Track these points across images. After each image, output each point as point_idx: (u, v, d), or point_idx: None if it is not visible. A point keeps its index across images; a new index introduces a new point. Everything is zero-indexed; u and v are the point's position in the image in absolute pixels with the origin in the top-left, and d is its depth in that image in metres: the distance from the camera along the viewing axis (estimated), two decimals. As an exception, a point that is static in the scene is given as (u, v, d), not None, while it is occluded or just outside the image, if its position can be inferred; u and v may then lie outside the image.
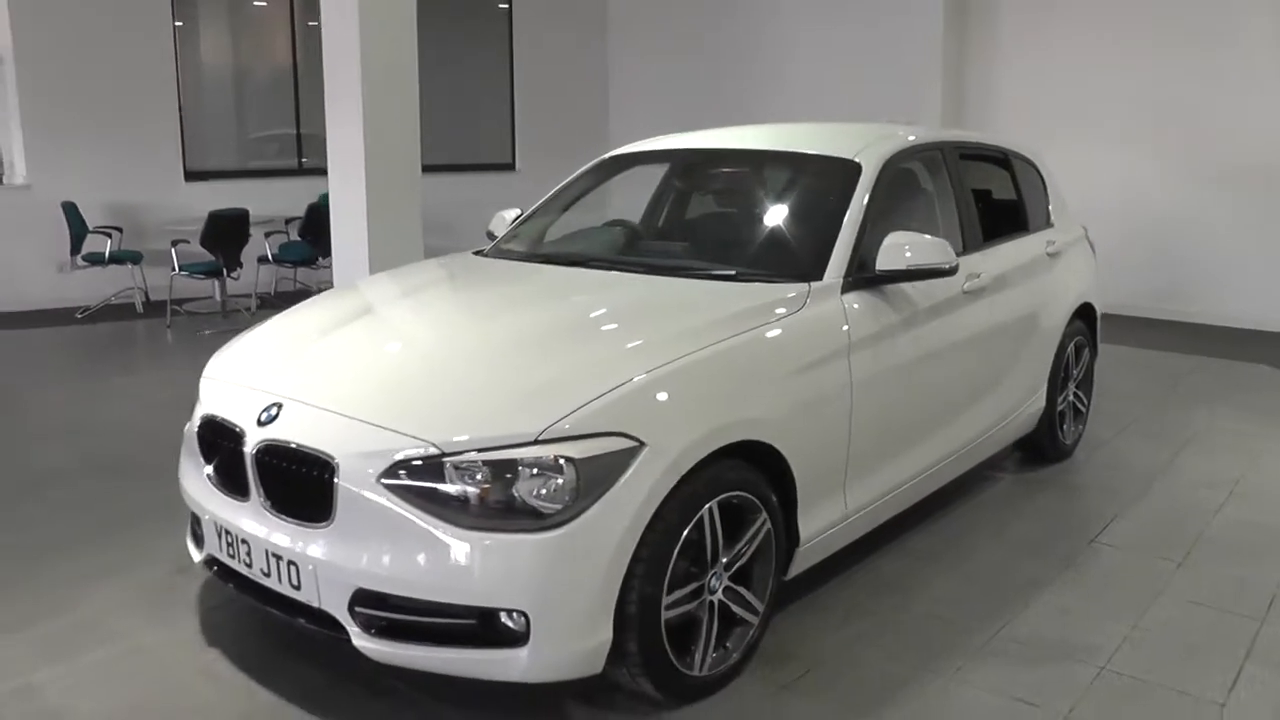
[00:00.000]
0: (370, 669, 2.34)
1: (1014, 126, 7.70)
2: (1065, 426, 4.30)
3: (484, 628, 2.17)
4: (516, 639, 2.16)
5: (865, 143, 3.35)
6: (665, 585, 2.27)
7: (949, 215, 3.61)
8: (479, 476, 2.16)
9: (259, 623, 2.84)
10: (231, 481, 2.53)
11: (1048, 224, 4.29)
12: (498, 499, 2.16)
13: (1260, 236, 7.13)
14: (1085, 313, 4.39)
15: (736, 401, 2.46)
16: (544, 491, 2.15)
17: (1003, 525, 3.62)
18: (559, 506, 2.14)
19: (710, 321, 2.61)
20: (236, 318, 7.57)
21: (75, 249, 7.52)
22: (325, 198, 7.44)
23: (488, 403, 2.30)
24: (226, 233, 7.35)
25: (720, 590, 2.45)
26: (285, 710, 2.43)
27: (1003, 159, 4.19)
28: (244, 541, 2.45)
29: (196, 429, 2.69)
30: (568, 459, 2.14)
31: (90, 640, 2.77)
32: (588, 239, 3.76)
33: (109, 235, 7.57)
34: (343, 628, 2.27)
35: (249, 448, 2.42)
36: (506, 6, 9.86)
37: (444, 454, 2.17)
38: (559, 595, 2.14)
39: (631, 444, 2.20)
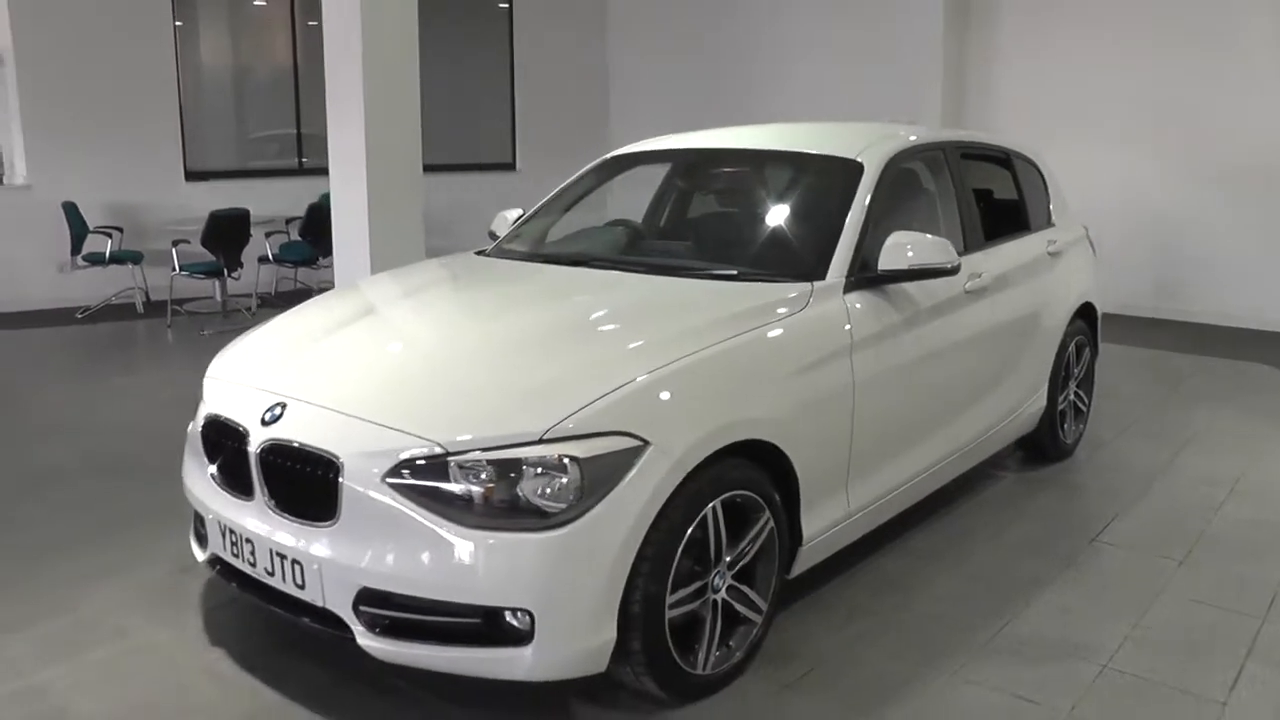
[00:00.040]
0: (374, 668, 2.34)
1: (1014, 126, 7.70)
2: (1066, 426, 4.30)
3: (488, 627, 2.18)
4: (521, 638, 2.16)
5: (867, 142, 3.36)
6: (669, 584, 2.28)
7: (950, 215, 3.62)
8: (483, 476, 2.17)
9: (262, 622, 2.84)
10: (236, 481, 2.53)
11: (1049, 223, 4.30)
12: (502, 498, 2.16)
13: (1261, 236, 7.14)
14: (1086, 312, 4.40)
15: (740, 401, 2.47)
16: (548, 491, 2.15)
17: (1004, 524, 3.63)
18: (563, 506, 2.15)
19: (713, 321, 2.61)
20: (237, 318, 7.57)
21: (76, 249, 7.52)
22: (326, 197, 7.45)
23: (492, 402, 2.31)
24: (227, 233, 7.35)
25: (724, 589, 2.46)
26: (289, 709, 2.44)
27: (1004, 159, 4.20)
28: (248, 541, 2.46)
29: (200, 428, 2.69)
30: (572, 458, 2.14)
31: (92, 640, 2.78)
32: (590, 239, 3.77)
33: (109, 235, 7.57)
34: (347, 627, 2.28)
35: (253, 447, 2.43)
36: (507, 6, 9.87)
37: (449, 453, 2.18)
38: (563, 594, 2.14)
39: (636, 443, 2.20)
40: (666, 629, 2.29)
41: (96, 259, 7.47)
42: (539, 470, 2.16)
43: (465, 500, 2.17)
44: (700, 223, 3.87)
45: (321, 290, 7.53)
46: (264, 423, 2.43)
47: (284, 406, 2.44)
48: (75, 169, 7.85)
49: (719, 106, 9.07)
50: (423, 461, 2.19)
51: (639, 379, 2.32)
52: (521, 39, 9.89)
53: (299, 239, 8.12)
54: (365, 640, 2.25)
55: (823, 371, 2.72)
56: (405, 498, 2.19)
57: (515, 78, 9.95)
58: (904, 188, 3.48)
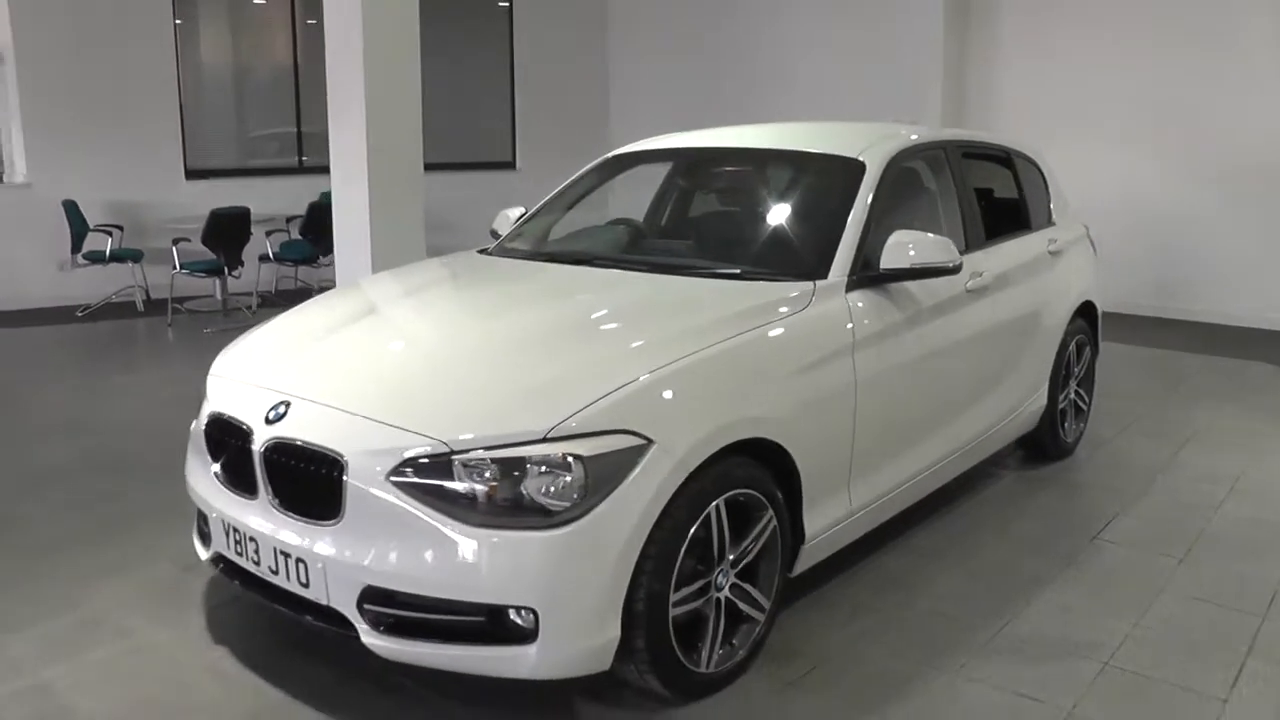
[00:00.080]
0: (378, 666, 2.35)
1: (1015, 126, 7.71)
2: (1067, 424, 4.31)
3: (493, 625, 2.18)
4: (525, 636, 2.17)
5: (869, 142, 3.36)
6: (673, 582, 2.28)
7: (952, 214, 3.62)
8: (487, 474, 2.17)
9: (265, 620, 2.85)
10: (239, 479, 2.54)
11: (1049, 222, 4.31)
12: (506, 496, 2.17)
13: (1261, 235, 7.15)
14: (1087, 311, 4.41)
15: (742, 399, 2.48)
16: (552, 489, 2.16)
17: (1005, 523, 3.64)
18: (567, 504, 2.15)
19: (716, 320, 2.62)
20: (237, 316, 7.57)
21: (76, 247, 7.52)
22: (326, 196, 7.44)
23: (496, 400, 2.31)
24: (228, 231, 7.36)
25: (727, 587, 2.47)
26: (293, 708, 2.44)
27: (1005, 158, 4.20)
28: (252, 539, 2.46)
29: (204, 427, 2.70)
30: (576, 456, 2.15)
31: (95, 639, 2.78)
32: (592, 238, 3.77)
33: (109, 234, 7.57)
34: (351, 625, 2.28)
35: (257, 446, 2.43)
36: (507, 5, 9.87)
37: (453, 451, 2.18)
38: (567, 592, 2.15)
39: (639, 442, 2.21)
40: (670, 627, 2.30)
41: (97, 257, 7.47)
42: (543, 469, 2.16)
43: (469, 498, 2.18)
44: (702, 222, 3.87)
45: (322, 289, 7.53)
46: (268, 421, 2.44)
47: (288, 405, 2.45)
48: (75, 167, 7.85)
49: (719, 106, 9.07)
50: (427, 460, 2.19)
51: (642, 378, 2.32)
52: (521, 38, 9.89)
53: (299, 237, 8.12)
54: (369, 638, 2.26)
55: (825, 370, 2.72)
56: (409, 496, 2.19)
57: (515, 77, 9.95)
58: (906, 187, 3.49)
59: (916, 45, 8.05)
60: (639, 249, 3.69)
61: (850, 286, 2.92)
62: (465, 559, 2.15)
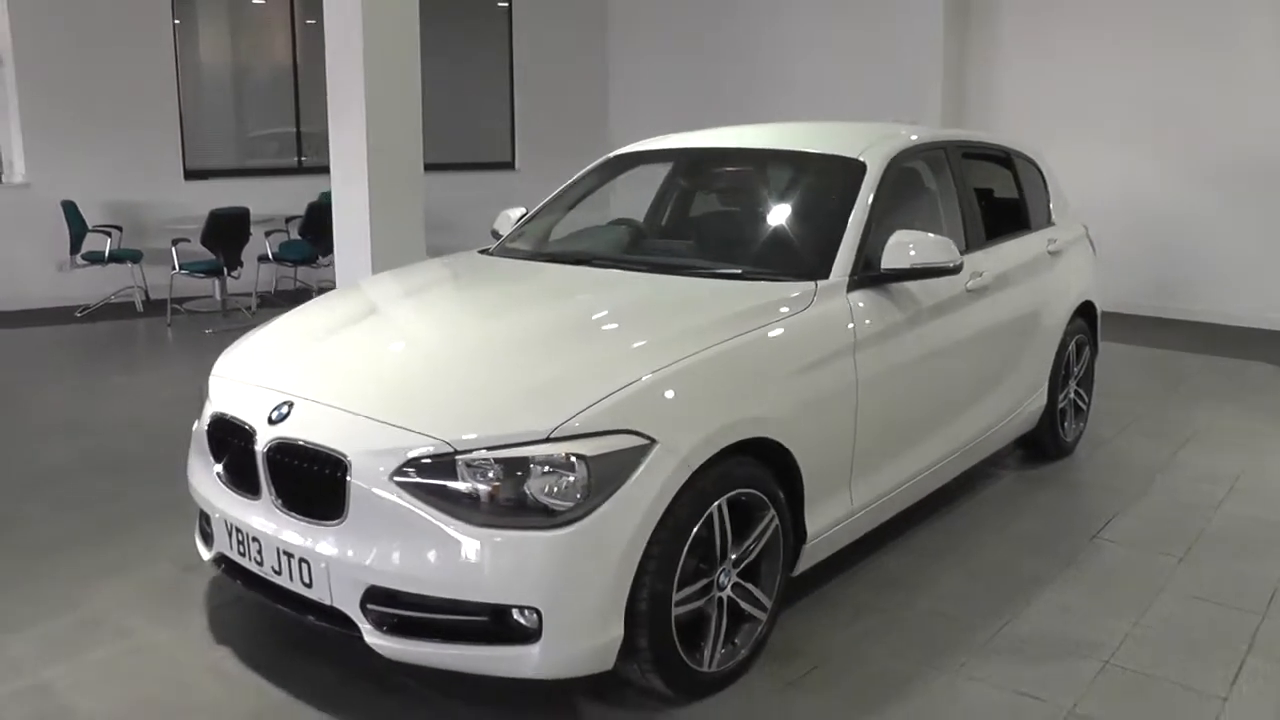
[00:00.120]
0: (381, 666, 2.35)
1: (1014, 126, 7.72)
2: (1066, 424, 4.32)
3: (496, 624, 2.19)
4: (529, 635, 2.17)
5: (869, 142, 3.37)
6: (675, 582, 2.29)
7: (952, 214, 3.63)
8: (491, 474, 2.17)
9: (268, 620, 2.85)
10: (242, 480, 2.54)
11: (1049, 222, 4.32)
12: (509, 496, 2.17)
13: (1261, 235, 7.16)
14: (1086, 311, 4.42)
15: (744, 399, 2.48)
16: (555, 489, 2.16)
17: (1005, 522, 3.65)
18: (570, 504, 2.16)
19: (718, 319, 2.63)
20: (237, 317, 7.57)
21: (75, 248, 7.51)
22: (325, 196, 7.44)
23: (499, 401, 2.32)
24: (227, 231, 7.35)
25: (729, 587, 2.47)
26: (296, 708, 2.45)
27: (1004, 158, 4.21)
28: (255, 539, 2.46)
29: (206, 427, 2.70)
30: (579, 456, 2.15)
31: (95, 639, 2.78)
32: (593, 238, 3.78)
33: (109, 234, 7.57)
34: (354, 625, 2.28)
35: (260, 446, 2.44)
36: (506, 5, 9.87)
37: (456, 451, 2.18)
38: (571, 592, 2.15)
39: (642, 442, 2.21)
40: (673, 626, 2.30)
41: (96, 258, 7.46)
42: (546, 468, 2.16)
43: (473, 498, 2.18)
44: (703, 222, 3.88)
45: (322, 289, 7.52)
46: (271, 421, 2.44)
47: (291, 405, 2.45)
48: (74, 167, 7.84)
49: (718, 106, 9.08)
50: (430, 460, 2.20)
51: (645, 378, 2.33)
52: (521, 38, 9.90)
53: (299, 238, 8.12)
54: (373, 638, 2.26)
55: (826, 370, 2.73)
56: (413, 496, 2.20)
57: (514, 77, 9.95)
58: (906, 187, 3.50)
59: (916, 45, 8.06)
60: (640, 249, 3.70)
61: (851, 286, 2.93)
62: (469, 559, 2.15)
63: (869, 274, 2.98)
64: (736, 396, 2.47)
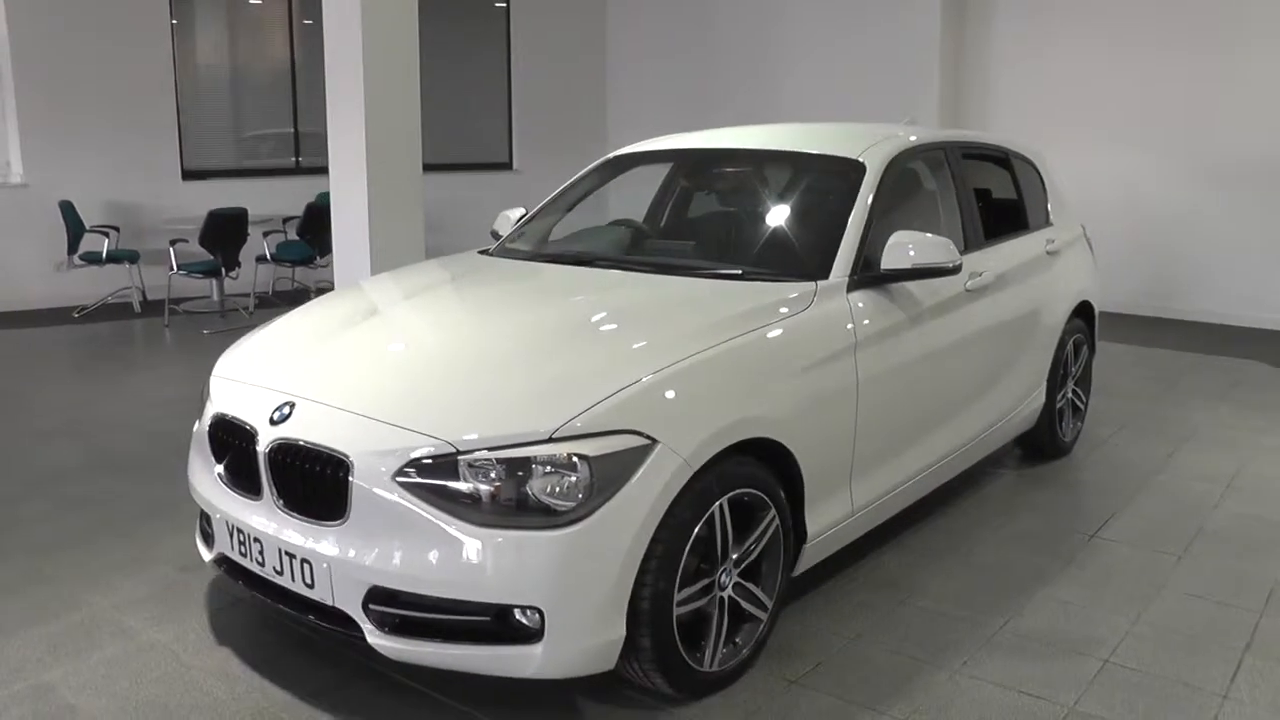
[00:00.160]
0: (382, 666, 2.36)
1: (1012, 126, 7.74)
2: (1064, 423, 4.33)
3: (499, 624, 2.20)
4: (531, 635, 2.18)
5: (869, 143, 3.38)
6: (677, 581, 2.29)
7: (951, 214, 3.64)
8: (493, 474, 2.18)
9: (269, 621, 2.85)
10: (243, 480, 2.54)
11: (1047, 223, 4.33)
12: (511, 496, 2.18)
13: (1258, 235, 7.18)
14: (1084, 311, 4.43)
15: (746, 399, 2.49)
16: (557, 489, 2.17)
17: (1004, 521, 3.66)
18: (572, 504, 2.16)
19: (718, 320, 2.63)
20: (235, 317, 7.56)
21: (72, 248, 7.50)
22: (323, 196, 7.46)
23: (501, 401, 2.32)
24: (225, 232, 7.35)
25: (730, 586, 2.48)
26: (298, 708, 2.45)
27: (1003, 158, 4.23)
28: (256, 540, 2.47)
29: (208, 428, 2.70)
30: (582, 456, 2.16)
31: (98, 639, 2.78)
32: (593, 238, 3.78)
33: (106, 234, 7.56)
34: (356, 625, 2.29)
35: (262, 446, 2.44)
36: (504, 5, 9.87)
37: (458, 452, 2.19)
38: (573, 592, 2.16)
39: (644, 442, 2.22)
40: (674, 626, 2.31)
41: (93, 258, 7.46)
42: (548, 469, 2.17)
43: (475, 499, 2.18)
44: (704, 222, 3.89)
45: (320, 289, 7.52)
46: (273, 422, 2.44)
47: (293, 406, 2.45)
48: (72, 167, 7.83)
49: (716, 107, 9.10)
50: (432, 460, 2.20)
51: (646, 378, 2.33)
52: (519, 38, 9.90)
53: (297, 238, 8.12)
54: (375, 639, 2.26)
55: (827, 370, 2.74)
56: (415, 496, 2.20)
57: (512, 78, 9.96)
58: (906, 187, 3.51)
59: (914, 45, 8.08)
60: (640, 250, 3.71)
61: (851, 287, 2.94)
62: (471, 559, 2.16)
63: (869, 274, 2.99)
64: (737, 396, 2.47)
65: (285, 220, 8.31)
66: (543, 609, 2.15)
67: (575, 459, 2.16)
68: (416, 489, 2.21)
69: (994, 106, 8.13)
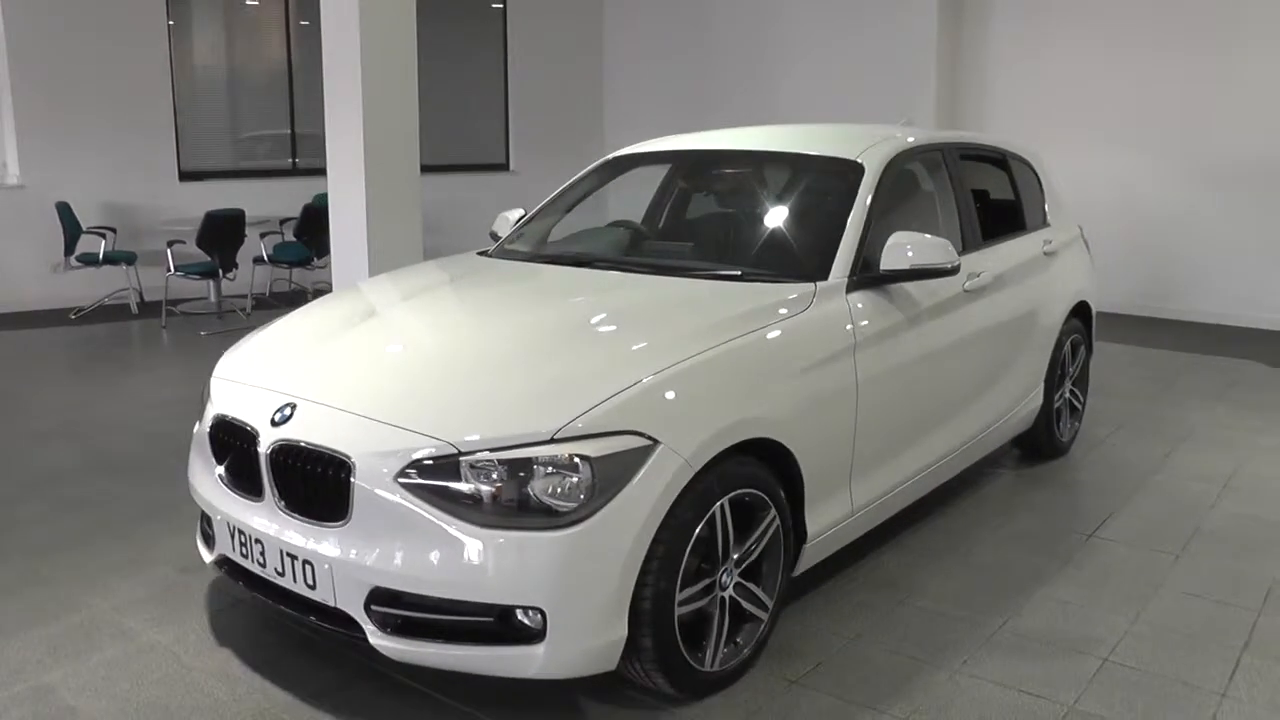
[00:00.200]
0: (384, 667, 2.36)
1: (1009, 127, 7.76)
2: (1062, 423, 4.35)
3: (501, 625, 2.20)
4: (533, 636, 2.18)
5: (867, 144, 3.39)
6: (678, 582, 2.30)
7: (949, 215, 3.65)
8: (495, 475, 2.18)
9: (270, 622, 2.85)
10: (244, 481, 2.54)
11: (1044, 223, 4.34)
12: (513, 497, 2.18)
13: (1254, 235, 7.21)
14: (1081, 311, 4.44)
15: (746, 400, 2.49)
16: (559, 490, 2.17)
17: (1003, 522, 3.67)
18: (574, 505, 2.17)
19: (718, 321, 2.64)
20: (232, 318, 7.55)
21: (69, 249, 7.49)
22: (320, 198, 7.45)
23: (502, 402, 2.32)
24: (222, 233, 7.34)
25: (731, 586, 2.48)
26: (299, 709, 2.45)
27: (1000, 159, 4.24)
28: (257, 541, 2.47)
29: (208, 429, 2.70)
30: (583, 457, 2.16)
31: (98, 640, 2.78)
32: (592, 239, 3.79)
33: (103, 235, 7.55)
34: (358, 626, 2.29)
35: (263, 448, 2.44)
36: (501, 7, 9.87)
37: (460, 453, 2.19)
38: (575, 592, 2.16)
39: (645, 442, 2.22)
40: (676, 626, 2.32)
41: (90, 259, 7.45)
42: (550, 469, 2.17)
43: (476, 499, 2.19)
44: (703, 224, 3.89)
45: (317, 291, 7.51)
46: (274, 423, 2.45)
47: (294, 407, 2.45)
48: (69, 169, 7.82)
49: (713, 108, 9.11)
50: (434, 461, 2.21)
51: (646, 379, 2.34)
52: (516, 39, 9.90)
53: (294, 239, 8.11)
54: (377, 640, 2.27)
55: (826, 370, 2.75)
56: (417, 497, 2.20)
57: (509, 79, 9.96)
58: (904, 188, 3.52)
59: (910, 46, 8.10)
60: (639, 251, 3.71)
61: (850, 287, 2.95)
62: (473, 560, 2.16)
63: (868, 275, 3.00)
64: (737, 397, 2.48)
65: (282, 222, 8.30)
66: (545, 609, 2.15)
67: (577, 460, 2.17)
68: (418, 490, 2.21)
69: (991, 107, 8.15)
